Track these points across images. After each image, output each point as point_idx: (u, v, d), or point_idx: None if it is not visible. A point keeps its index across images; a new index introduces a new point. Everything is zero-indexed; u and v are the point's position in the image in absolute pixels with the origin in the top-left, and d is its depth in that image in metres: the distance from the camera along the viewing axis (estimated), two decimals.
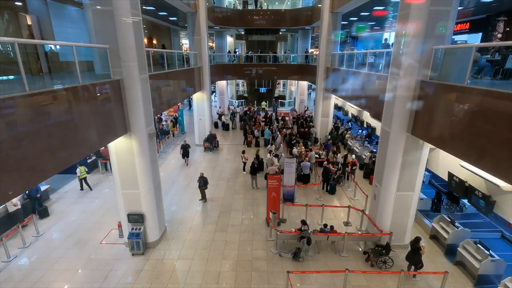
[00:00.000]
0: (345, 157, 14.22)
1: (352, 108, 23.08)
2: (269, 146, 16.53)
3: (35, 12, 9.72)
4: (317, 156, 14.95)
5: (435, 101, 6.79)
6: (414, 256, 7.51)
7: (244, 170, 14.77)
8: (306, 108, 26.57)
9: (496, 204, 8.80)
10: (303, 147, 15.42)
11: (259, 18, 22.97)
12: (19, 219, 9.64)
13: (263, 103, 28.29)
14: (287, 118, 23.69)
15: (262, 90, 30.74)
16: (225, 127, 23.13)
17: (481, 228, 9.05)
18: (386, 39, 14.56)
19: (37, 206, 10.56)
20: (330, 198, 12.25)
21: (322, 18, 16.66)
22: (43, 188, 11.41)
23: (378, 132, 16.33)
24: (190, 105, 29.03)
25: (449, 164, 10.78)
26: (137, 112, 7.75)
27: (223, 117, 24.08)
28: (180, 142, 20.11)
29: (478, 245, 7.63)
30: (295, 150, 14.67)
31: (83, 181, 12.51)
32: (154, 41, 23.95)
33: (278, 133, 18.39)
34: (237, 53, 31.06)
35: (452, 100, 6.06)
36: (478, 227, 9.04)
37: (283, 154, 15.39)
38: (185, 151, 15.49)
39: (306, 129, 19.35)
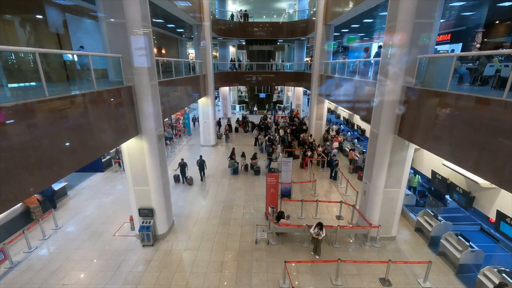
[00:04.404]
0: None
1: (343, 112, 23.12)
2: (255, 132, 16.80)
3: (55, 24, 9.74)
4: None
5: (419, 105, 6.79)
6: None
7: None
8: (296, 110, 26.67)
9: (475, 200, 8.83)
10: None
11: (258, 29, 22.96)
12: (37, 215, 9.58)
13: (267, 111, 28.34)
14: (283, 120, 23.90)
15: (262, 95, 30.78)
16: (236, 129, 23.43)
17: (462, 222, 9.05)
18: (368, 48, 14.70)
19: (48, 203, 10.52)
20: (325, 194, 12.24)
21: (316, 29, 16.68)
22: (61, 185, 11.41)
23: (368, 134, 16.35)
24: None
25: (433, 163, 10.81)
26: (147, 115, 7.75)
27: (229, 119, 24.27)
28: (187, 142, 20.17)
29: (459, 237, 7.62)
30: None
31: None
32: (163, 51, 23.96)
33: (276, 135, 18.37)
34: (240, 61, 31.05)
35: (435, 104, 6.07)
36: (459, 221, 9.04)
37: (280, 154, 15.39)
38: (183, 170, 12.62)
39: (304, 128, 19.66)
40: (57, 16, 9.93)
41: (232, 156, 14.34)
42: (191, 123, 24.44)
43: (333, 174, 13.79)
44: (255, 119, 25.14)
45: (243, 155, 14.58)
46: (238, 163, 14.31)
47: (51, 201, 10.49)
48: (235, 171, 14.12)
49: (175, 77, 11.30)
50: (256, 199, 11.68)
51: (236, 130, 23.16)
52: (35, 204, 9.44)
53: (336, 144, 16.91)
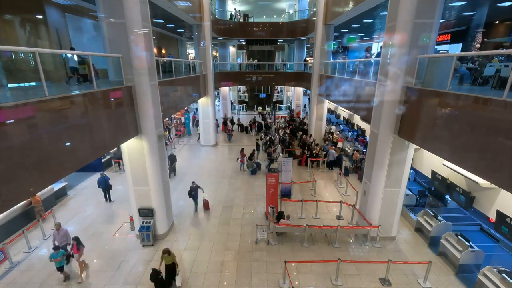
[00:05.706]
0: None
1: (343, 112, 23.11)
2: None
3: (55, 24, 9.74)
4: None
5: (419, 105, 6.79)
6: None
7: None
8: (297, 110, 26.70)
9: (475, 200, 8.83)
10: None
11: (258, 29, 22.96)
12: (41, 213, 9.57)
13: (268, 108, 28.23)
14: (282, 120, 23.90)
15: (262, 95, 30.78)
16: (241, 128, 23.51)
17: (462, 222, 9.04)
18: (369, 48, 14.72)
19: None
20: (325, 194, 12.23)
21: (316, 29, 16.68)
22: (61, 185, 11.39)
23: (368, 134, 16.34)
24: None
25: (433, 163, 10.80)
26: (147, 115, 7.75)
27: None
28: (188, 142, 20.15)
29: (459, 237, 7.62)
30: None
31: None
32: (163, 51, 23.97)
33: (276, 135, 18.37)
34: (239, 61, 31.15)
35: (435, 104, 6.08)
36: (459, 221, 9.03)
37: (280, 154, 15.39)
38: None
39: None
40: (56, 16, 9.91)
41: (251, 157, 14.53)
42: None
43: (342, 171, 13.78)
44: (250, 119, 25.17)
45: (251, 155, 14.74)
46: (256, 163, 14.38)
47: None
48: (253, 172, 14.30)
49: (175, 77, 11.31)
50: (256, 199, 11.67)
51: (246, 129, 23.24)
52: (39, 203, 9.40)
53: (340, 145, 16.96)
